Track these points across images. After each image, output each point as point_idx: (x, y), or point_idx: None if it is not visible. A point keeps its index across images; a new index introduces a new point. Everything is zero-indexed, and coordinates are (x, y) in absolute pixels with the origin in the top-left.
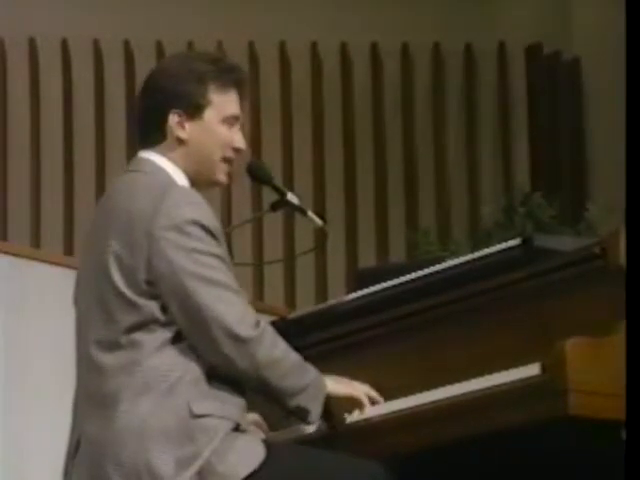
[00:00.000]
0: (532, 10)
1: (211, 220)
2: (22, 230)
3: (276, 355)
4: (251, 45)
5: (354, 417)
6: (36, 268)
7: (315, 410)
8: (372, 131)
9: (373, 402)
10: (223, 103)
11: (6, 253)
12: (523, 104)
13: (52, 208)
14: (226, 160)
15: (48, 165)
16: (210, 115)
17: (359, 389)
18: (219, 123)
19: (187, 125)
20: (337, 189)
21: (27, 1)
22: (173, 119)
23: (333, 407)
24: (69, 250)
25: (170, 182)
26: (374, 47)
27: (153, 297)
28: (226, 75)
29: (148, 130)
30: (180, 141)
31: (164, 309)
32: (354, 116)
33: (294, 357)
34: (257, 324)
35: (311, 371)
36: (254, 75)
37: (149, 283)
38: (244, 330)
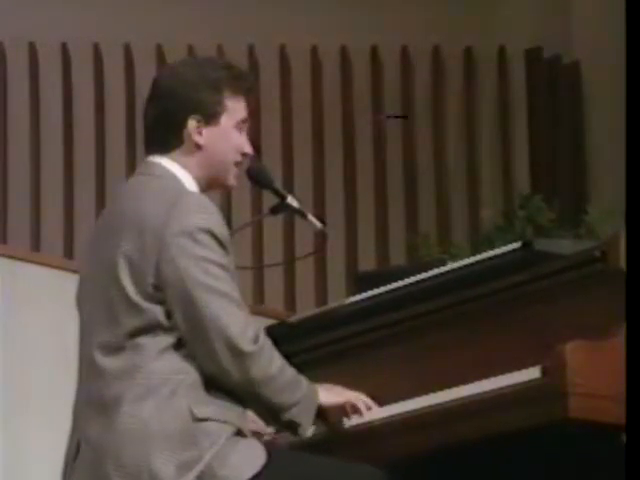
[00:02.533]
0: (532, 14)
1: (222, 229)
2: (22, 232)
3: (271, 372)
4: (251, 48)
5: (353, 421)
6: (34, 271)
7: (306, 423)
8: (372, 134)
9: (368, 408)
10: (236, 109)
11: (4, 256)
12: (523, 108)
13: (52, 211)
14: (237, 164)
15: (48, 168)
16: (226, 121)
17: (352, 397)
18: (233, 128)
19: (204, 131)
20: (337, 192)
21: (27, 5)
22: (192, 124)
23: (328, 416)
24: (69, 253)
25: (182, 188)
26: (374, 50)
27: (159, 302)
28: (238, 82)
29: (161, 136)
30: (197, 146)
31: (168, 314)
32: (354, 119)
33: (289, 373)
34: (257, 339)
35: (303, 385)
36: (254, 78)
37: (156, 288)
38: (244, 344)
